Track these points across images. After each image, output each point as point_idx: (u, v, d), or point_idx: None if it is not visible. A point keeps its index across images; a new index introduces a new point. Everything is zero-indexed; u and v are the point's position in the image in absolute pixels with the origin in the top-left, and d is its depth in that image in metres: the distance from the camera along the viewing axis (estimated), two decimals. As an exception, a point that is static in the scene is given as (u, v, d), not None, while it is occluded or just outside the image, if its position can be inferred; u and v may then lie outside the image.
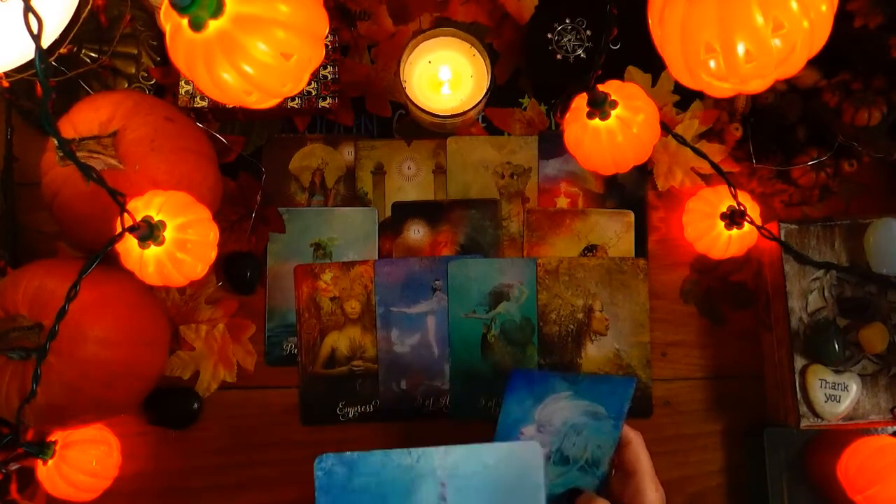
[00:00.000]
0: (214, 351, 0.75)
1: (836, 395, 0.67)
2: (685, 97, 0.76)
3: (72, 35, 0.65)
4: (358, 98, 0.79)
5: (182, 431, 0.75)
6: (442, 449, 0.51)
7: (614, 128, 0.59)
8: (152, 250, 0.55)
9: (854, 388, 0.67)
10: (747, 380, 0.77)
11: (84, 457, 0.65)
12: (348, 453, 0.50)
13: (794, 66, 0.46)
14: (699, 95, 0.76)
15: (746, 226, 0.67)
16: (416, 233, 0.78)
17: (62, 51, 0.69)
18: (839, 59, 0.72)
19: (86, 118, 0.63)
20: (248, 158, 0.77)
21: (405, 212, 0.78)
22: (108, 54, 0.74)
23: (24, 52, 0.59)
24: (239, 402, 0.75)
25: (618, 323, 0.76)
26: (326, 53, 0.74)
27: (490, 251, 0.77)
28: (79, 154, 0.59)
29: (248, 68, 0.42)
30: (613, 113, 0.58)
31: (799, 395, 0.68)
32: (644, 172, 0.77)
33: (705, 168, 0.76)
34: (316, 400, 0.75)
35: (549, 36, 0.76)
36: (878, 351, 0.67)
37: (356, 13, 0.77)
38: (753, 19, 0.43)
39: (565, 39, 0.76)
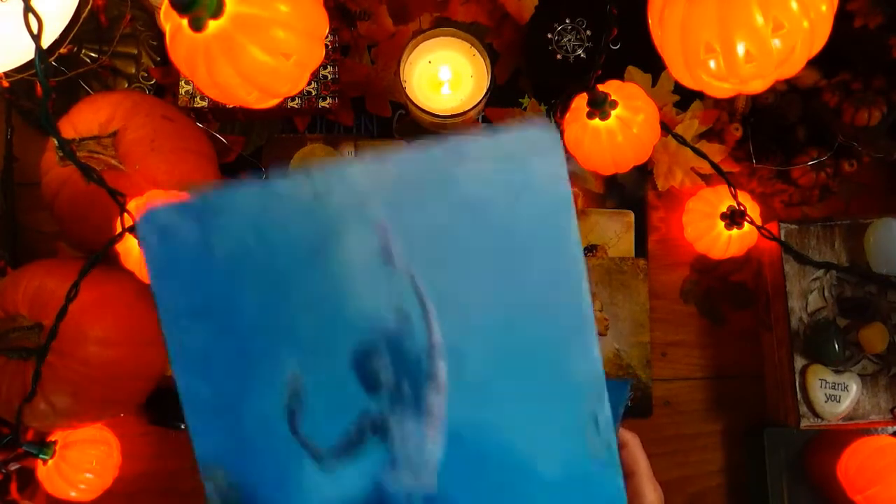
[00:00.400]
0: (214, 351, 0.75)
1: (836, 395, 0.67)
2: (685, 97, 0.76)
3: (72, 35, 0.65)
4: (358, 98, 0.78)
5: (182, 431, 0.75)
6: (368, 160, 0.24)
7: (614, 128, 0.59)
8: (152, 250, 0.55)
9: (854, 388, 0.67)
10: (747, 380, 0.77)
11: (84, 456, 0.65)
12: (195, 196, 0.24)
13: (794, 66, 0.46)
14: (699, 95, 0.76)
15: (746, 226, 0.67)
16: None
17: (62, 51, 0.69)
18: (839, 59, 0.72)
19: (86, 118, 0.63)
20: (248, 158, 0.77)
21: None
22: (108, 54, 0.74)
23: (24, 52, 0.59)
24: (239, 402, 0.75)
25: (618, 323, 0.76)
26: (326, 53, 0.74)
27: (490, 251, 0.77)
28: (79, 154, 0.59)
29: (248, 68, 0.42)
30: (613, 113, 0.58)
31: (799, 395, 0.68)
32: (644, 172, 0.77)
33: (705, 168, 0.76)
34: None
35: (549, 36, 0.76)
36: (878, 351, 0.67)
37: (356, 13, 0.77)
38: (753, 19, 0.43)
39: (565, 39, 0.76)
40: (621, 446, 0.63)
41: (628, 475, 0.62)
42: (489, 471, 0.24)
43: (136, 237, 0.20)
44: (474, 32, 0.73)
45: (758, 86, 0.47)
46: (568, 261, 0.23)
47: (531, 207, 0.23)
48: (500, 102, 0.78)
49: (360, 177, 0.23)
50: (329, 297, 0.23)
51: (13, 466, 0.69)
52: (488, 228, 0.23)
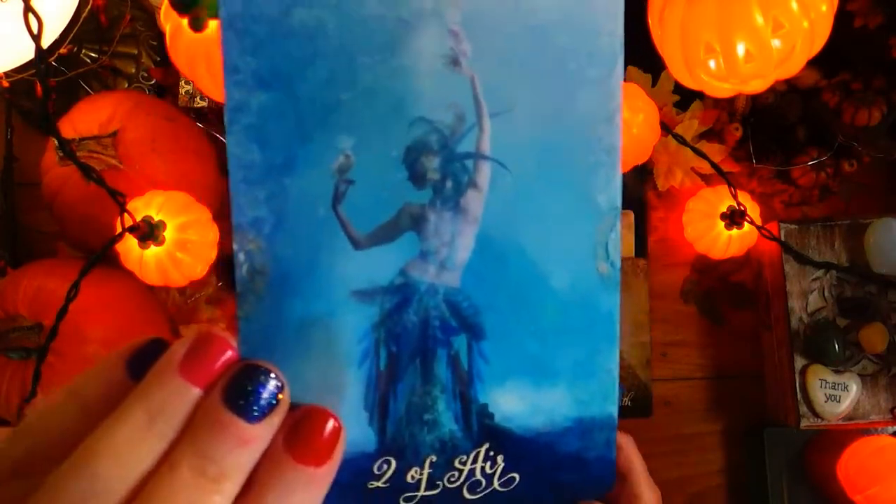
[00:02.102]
0: (214, 351, 0.75)
1: (836, 395, 0.67)
2: (685, 97, 0.76)
3: (72, 35, 0.65)
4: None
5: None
6: None
7: (614, 128, 0.59)
8: (152, 250, 0.55)
9: (854, 388, 0.67)
10: (747, 380, 0.77)
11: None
12: None
13: (794, 66, 0.46)
14: (699, 95, 0.76)
15: (746, 226, 0.67)
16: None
17: (62, 51, 0.69)
18: (839, 59, 0.72)
19: (86, 118, 0.63)
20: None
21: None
22: (108, 54, 0.74)
23: (24, 52, 0.59)
24: (239, 402, 0.75)
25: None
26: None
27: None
28: (79, 154, 0.59)
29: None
30: (613, 113, 0.58)
31: (799, 395, 0.68)
32: (644, 172, 0.77)
33: (705, 168, 0.76)
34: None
35: (549, 36, 0.76)
36: (879, 351, 0.67)
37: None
38: (753, 19, 0.43)
39: (565, 39, 0.76)
40: (617, 449, 0.63)
41: (625, 477, 0.62)
42: (507, 275, 0.26)
43: None
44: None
45: (758, 86, 0.47)
46: (608, 105, 0.25)
47: (587, 43, 0.25)
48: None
49: None
50: (394, 90, 0.24)
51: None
52: (548, 54, 0.25)
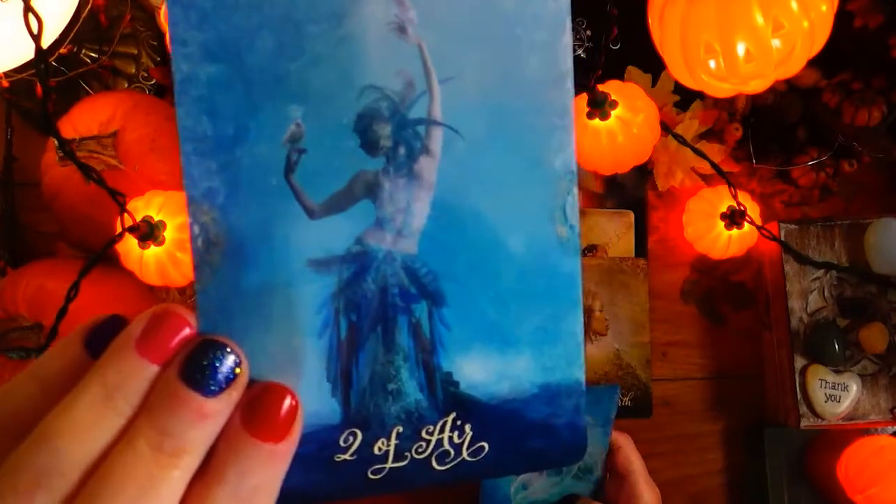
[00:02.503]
0: (214, 351, 0.75)
1: (836, 395, 0.67)
2: (685, 97, 0.76)
3: (72, 35, 0.65)
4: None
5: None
6: None
7: (614, 128, 0.59)
8: (152, 250, 0.55)
9: (854, 388, 0.67)
10: (747, 380, 0.77)
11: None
12: None
13: (794, 66, 0.46)
14: (699, 95, 0.76)
15: (746, 226, 0.67)
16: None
17: (62, 51, 0.69)
18: (839, 59, 0.72)
19: (86, 118, 0.63)
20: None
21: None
22: (108, 54, 0.74)
23: (24, 52, 0.59)
24: (239, 402, 0.75)
25: (618, 323, 0.76)
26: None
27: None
28: (79, 154, 0.59)
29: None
30: (613, 113, 0.58)
31: (799, 395, 0.68)
32: (644, 172, 0.77)
33: (705, 168, 0.76)
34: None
35: (549, 36, 0.76)
36: (879, 351, 0.67)
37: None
38: (753, 19, 0.43)
39: (565, 39, 0.76)
40: (615, 449, 0.63)
41: (624, 476, 0.62)
42: (465, 240, 0.26)
43: None
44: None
45: (758, 86, 0.48)
46: (558, 68, 0.26)
47: (533, 6, 0.25)
48: (500, 102, 0.78)
49: None
50: (342, 59, 0.24)
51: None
52: (495, 18, 0.25)
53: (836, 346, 0.67)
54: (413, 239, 0.25)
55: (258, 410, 0.22)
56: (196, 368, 0.21)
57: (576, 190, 0.26)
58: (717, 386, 0.77)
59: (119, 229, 0.53)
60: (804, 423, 0.67)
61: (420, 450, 0.27)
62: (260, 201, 0.23)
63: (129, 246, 0.55)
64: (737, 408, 0.76)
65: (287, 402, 0.22)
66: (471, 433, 0.27)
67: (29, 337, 0.59)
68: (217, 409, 0.21)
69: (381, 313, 0.26)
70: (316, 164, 0.24)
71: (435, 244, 0.26)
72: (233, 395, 0.22)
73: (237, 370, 0.22)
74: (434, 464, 0.27)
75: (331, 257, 0.24)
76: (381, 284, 0.25)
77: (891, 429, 0.71)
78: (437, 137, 0.25)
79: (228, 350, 0.22)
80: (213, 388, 0.21)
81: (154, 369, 0.21)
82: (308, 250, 0.24)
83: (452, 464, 0.27)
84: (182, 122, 0.23)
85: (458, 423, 0.27)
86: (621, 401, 0.73)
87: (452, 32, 0.25)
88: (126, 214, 0.53)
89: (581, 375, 0.28)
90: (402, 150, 0.25)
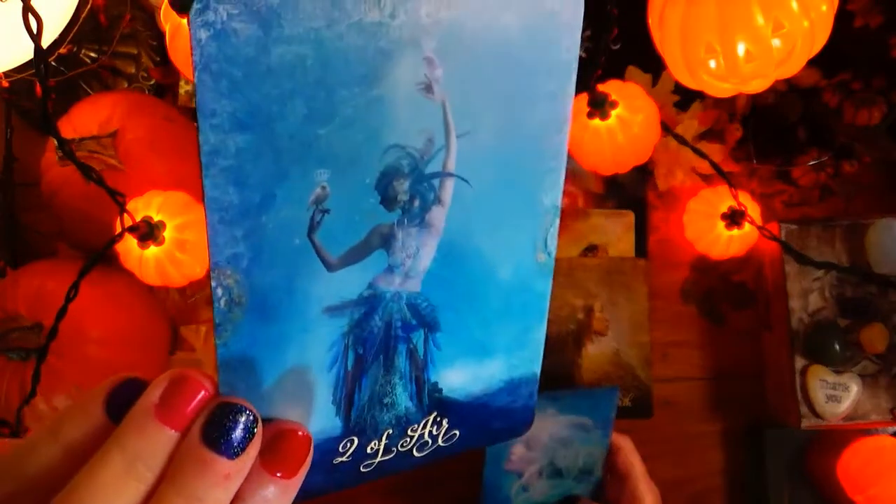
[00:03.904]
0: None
1: (837, 395, 0.67)
2: (685, 97, 0.76)
3: (72, 35, 0.65)
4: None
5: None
6: None
7: (614, 128, 0.59)
8: (152, 250, 0.55)
9: (854, 388, 0.67)
10: (747, 380, 0.77)
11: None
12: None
13: (794, 66, 0.46)
14: (699, 95, 0.76)
15: (747, 226, 0.67)
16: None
17: (62, 51, 0.69)
18: (839, 59, 0.72)
19: (86, 118, 0.63)
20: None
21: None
22: (107, 54, 0.74)
23: (24, 52, 0.59)
24: (239, 403, 0.75)
25: (618, 323, 0.76)
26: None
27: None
28: (78, 154, 0.59)
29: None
30: (613, 113, 0.58)
31: (799, 396, 0.68)
32: (644, 172, 0.77)
33: (705, 168, 0.76)
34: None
35: (550, 36, 0.76)
36: (879, 351, 0.67)
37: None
38: (754, 19, 0.43)
39: (565, 39, 0.76)
40: (615, 450, 0.63)
41: (624, 477, 0.62)
42: (462, 275, 0.28)
43: (187, 26, 0.19)
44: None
45: (758, 86, 0.48)
46: (560, 115, 0.27)
47: (547, 57, 0.26)
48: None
49: (424, 7, 0.24)
50: (370, 120, 0.24)
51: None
52: (513, 71, 0.26)
53: (837, 347, 0.66)
54: (418, 279, 0.27)
55: (276, 453, 0.23)
56: (217, 432, 0.22)
57: (557, 221, 0.28)
58: (717, 386, 0.77)
59: (119, 229, 0.53)
60: (804, 424, 0.67)
61: (405, 444, 0.29)
62: (283, 261, 0.24)
63: (128, 246, 0.55)
64: (737, 408, 0.76)
65: (302, 442, 0.24)
66: (447, 425, 0.30)
67: (29, 337, 0.59)
68: (240, 469, 0.22)
69: (384, 344, 0.27)
70: (337, 222, 0.24)
71: (436, 280, 0.27)
72: (251, 453, 0.22)
73: (255, 429, 0.23)
74: (415, 452, 0.30)
75: (345, 303, 0.26)
76: (387, 320, 0.27)
77: (891, 429, 0.71)
78: (449, 188, 0.26)
79: (246, 410, 0.22)
80: (235, 449, 0.22)
81: (174, 434, 0.22)
82: (325, 300, 0.25)
83: (430, 450, 0.30)
84: (209, 193, 0.22)
85: (438, 419, 0.30)
86: (621, 401, 0.73)
87: (474, 89, 0.25)
88: (126, 214, 0.53)
89: (537, 368, 0.31)
90: (416, 203, 0.26)
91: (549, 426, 0.60)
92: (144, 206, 0.55)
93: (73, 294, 0.53)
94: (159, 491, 0.21)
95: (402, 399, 0.28)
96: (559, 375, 0.74)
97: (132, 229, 0.53)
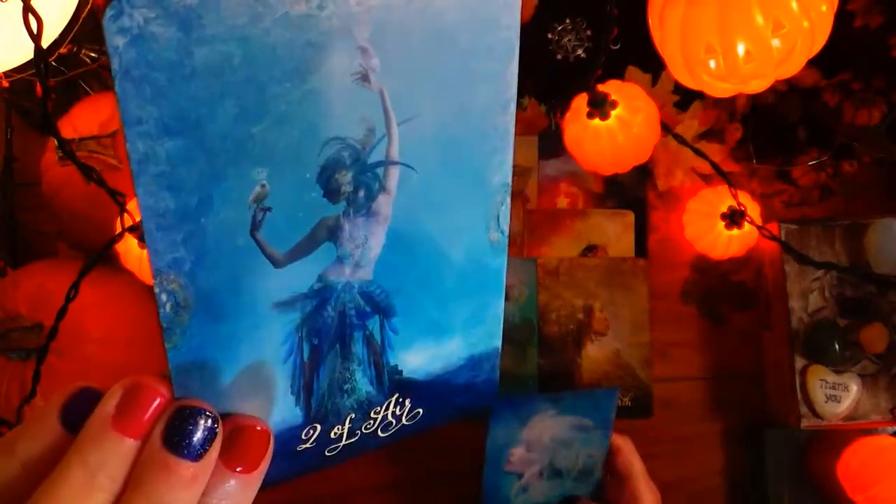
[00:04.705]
0: (214, 351, 0.75)
1: (837, 395, 0.67)
2: (685, 97, 0.76)
3: (72, 35, 0.65)
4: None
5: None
6: None
7: (614, 128, 0.59)
8: (152, 250, 0.55)
9: (854, 388, 0.67)
10: (747, 380, 0.77)
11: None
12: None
13: (794, 66, 0.46)
14: (699, 95, 0.76)
15: (746, 226, 0.67)
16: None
17: (62, 51, 0.69)
18: (839, 59, 0.72)
19: (86, 118, 0.63)
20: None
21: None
22: (108, 54, 0.74)
23: (24, 52, 0.59)
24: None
25: (618, 323, 0.76)
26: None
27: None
28: (79, 154, 0.59)
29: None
30: (613, 113, 0.58)
31: (799, 396, 0.68)
32: (644, 172, 0.77)
33: (705, 168, 0.76)
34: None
35: (549, 36, 0.76)
36: (879, 351, 0.67)
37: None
38: (753, 19, 0.43)
39: (565, 39, 0.76)
40: (615, 451, 0.63)
41: (625, 478, 0.62)
42: (414, 259, 0.27)
43: (103, 30, 0.18)
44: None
45: (758, 86, 0.48)
46: (504, 95, 0.26)
47: (485, 38, 0.25)
48: (500, 102, 0.78)
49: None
50: (306, 115, 0.23)
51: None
52: (451, 55, 0.25)
53: (837, 346, 0.66)
54: (369, 268, 0.27)
55: (236, 449, 0.23)
56: (178, 435, 0.22)
57: (509, 199, 0.28)
58: (717, 386, 0.77)
59: (119, 229, 0.53)
60: (804, 424, 0.67)
61: (368, 426, 0.30)
62: (227, 261, 0.23)
63: (129, 246, 0.55)
64: (737, 408, 0.76)
65: (261, 435, 0.24)
66: (409, 405, 0.30)
67: (29, 337, 0.59)
68: (204, 469, 0.22)
69: (339, 333, 0.27)
70: (280, 218, 0.24)
71: (388, 268, 0.27)
72: (213, 454, 0.22)
73: (216, 428, 0.23)
74: (379, 433, 0.30)
75: (295, 296, 0.25)
76: (340, 310, 0.27)
77: (891, 429, 0.71)
78: (394, 176, 0.26)
79: (205, 412, 0.22)
80: (198, 450, 0.22)
81: (133, 443, 0.22)
82: (273, 295, 0.25)
83: (394, 429, 0.30)
84: (142, 201, 0.22)
85: (401, 400, 0.30)
86: (621, 401, 0.73)
87: (412, 74, 0.25)
88: (126, 214, 0.53)
89: (498, 343, 0.31)
90: (361, 193, 0.25)
91: (550, 427, 0.60)
92: (144, 206, 0.55)
93: (73, 294, 0.53)
94: (125, 499, 0.21)
95: (363, 384, 0.28)
96: (559, 375, 0.74)
97: (132, 229, 0.53)
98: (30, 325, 0.59)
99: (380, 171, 0.25)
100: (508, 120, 0.27)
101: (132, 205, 0.55)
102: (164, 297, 0.23)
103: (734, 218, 0.67)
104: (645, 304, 0.76)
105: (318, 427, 0.28)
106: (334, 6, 0.23)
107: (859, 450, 0.65)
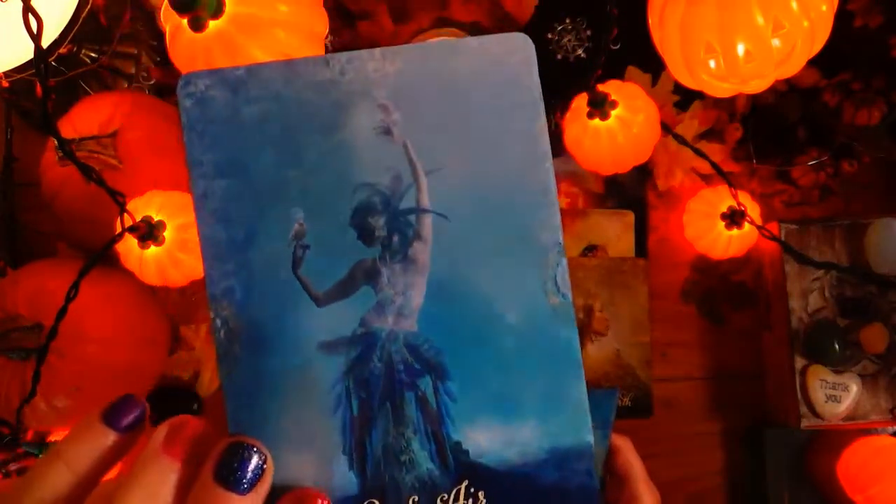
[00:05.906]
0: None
1: (837, 395, 0.67)
2: (685, 97, 0.76)
3: (72, 35, 0.65)
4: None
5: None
6: (378, 52, 0.28)
7: (614, 128, 0.59)
8: (152, 250, 0.55)
9: (854, 388, 0.67)
10: (747, 380, 0.77)
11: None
12: (230, 69, 0.28)
13: (794, 66, 0.46)
14: (699, 95, 0.76)
15: (746, 226, 0.67)
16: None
17: (62, 51, 0.69)
18: (839, 59, 0.72)
19: (86, 118, 0.63)
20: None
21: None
22: (107, 54, 0.74)
23: (24, 52, 0.59)
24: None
25: (618, 323, 0.76)
26: (326, 53, 0.74)
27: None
28: (79, 154, 0.59)
29: (247, 68, 0.42)
30: (613, 113, 0.58)
31: (799, 396, 0.68)
32: (644, 172, 0.77)
33: (705, 168, 0.76)
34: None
35: (549, 36, 0.76)
36: (879, 351, 0.67)
37: (356, 13, 0.77)
38: (753, 19, 0.43)
39: (565, 39, 0.76)
40: (615, 452, 0.63)
41: (624, 479, 0.62)
42: (462, 315, 0.28)
43: (178, 96, 0.28)
44: (474, 32, 0.73)
45: (758, 86, 0.48)
46: (535, 145, 0.28)
47: (507, 98, 0.28)
48: (500, 102, 0.78)
49: (371, 64, 0.28)
50: (336, 163, 0.28)
51: (13, 467, 0.69)
52: (472, 113, 0.28)
53: (837, 346, 0.66)
54: (413, 318, 0.28)
55: None
56: (228, 469, 0.23)
57: (565, 261, 0.28)
58: (717, 386, 0.77)
59: (119, 229, 0.53)
60: (804, 424, 0.67)
61: None
62: (272, 294, 0.27)
63: (129, 246, 0.55)
64: (737, 408, 0.76)
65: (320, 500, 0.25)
66: (484, 500, 0.28)
67: (29, 337, 0.59)
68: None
69: (389, 389, 0.28)
70: (319, 258, 0.27)
71: (434, 320, 0.28)
72: (261, 491, 0.24)
73: (264, 466, 0.24)
74: None
75: (338, 339, 0.27)
76: (387, 362, 0.27)
77: (891, 429, 0.71)
78: (427, 224, 0.28)
79: (254, 449, 0.24)
80: (245, 485, 0.23)
81: (178, 467, 0.23)
82: (318, 334, 0.27)
83: None
84: (202, 232, 0.26)
85: (472, 490, 0.28)
86: (621, 401, 0.73)
87: (433, 129, 0.28)
88: (126, 214, 0.53)
89: (590, 437, 0.29)
90: (396, 238, 0.28)
91: None
92: (145, 206, 0.55)
93: (73, 294, 0.53)
94: None
95: (422, 458, 0.27)
96: (559, 375, 0.74)
97: (132, 229, 0.53)
98: (30, 325, 0.59)
99: (412, 218, 0.28)
100: (546, 175, 0.28)
101: (132, 204, 0.55)
102: (218, 322, 0.26)
103: (734, 218, 0.67)
104: (645, 304, 0.76)
105: None
106: (354, 73, 0.28)
107: (859, 450, 0.65)
